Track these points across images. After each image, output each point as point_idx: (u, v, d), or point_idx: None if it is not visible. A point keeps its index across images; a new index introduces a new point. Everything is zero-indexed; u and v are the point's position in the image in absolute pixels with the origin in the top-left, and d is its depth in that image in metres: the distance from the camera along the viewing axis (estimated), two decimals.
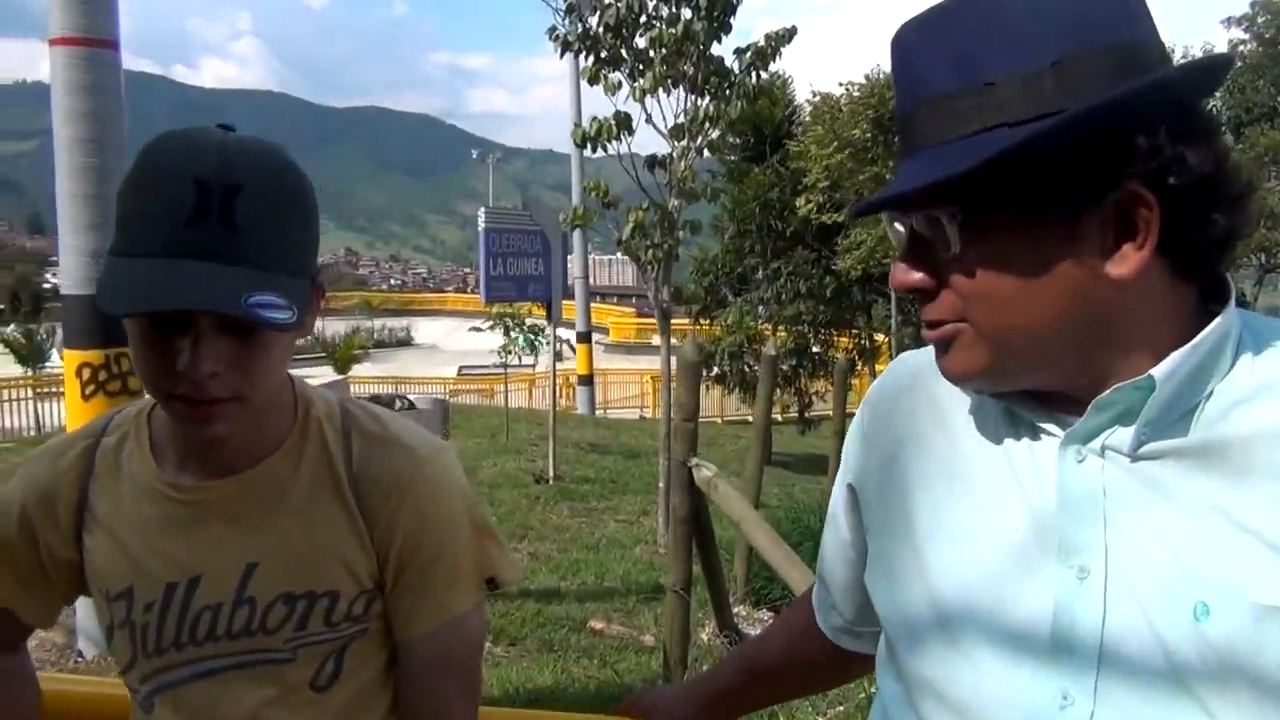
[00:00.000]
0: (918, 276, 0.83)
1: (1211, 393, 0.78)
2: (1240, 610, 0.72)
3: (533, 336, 12.09)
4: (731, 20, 6.98)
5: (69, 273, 4.29)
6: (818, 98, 16.51)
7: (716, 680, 1.36)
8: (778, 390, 14.83)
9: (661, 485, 6.75)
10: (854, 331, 17.56)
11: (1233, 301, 0.81)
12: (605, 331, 34.99)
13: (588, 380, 19.07)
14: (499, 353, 12.46)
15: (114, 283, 0.93)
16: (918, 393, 0.98)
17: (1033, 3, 0.76)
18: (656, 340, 8.04)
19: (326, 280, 1.18)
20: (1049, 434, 0.84)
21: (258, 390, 1.02)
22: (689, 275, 16.97)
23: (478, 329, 12.25)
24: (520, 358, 12.47)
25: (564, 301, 11.02)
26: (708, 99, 7.07)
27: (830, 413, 10.72)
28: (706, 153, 7.47)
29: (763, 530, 3.72)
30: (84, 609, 4.17)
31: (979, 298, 0.80)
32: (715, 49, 7.00)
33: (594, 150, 7.22)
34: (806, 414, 16.85)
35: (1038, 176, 0.75)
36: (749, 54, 7.14)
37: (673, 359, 6.18)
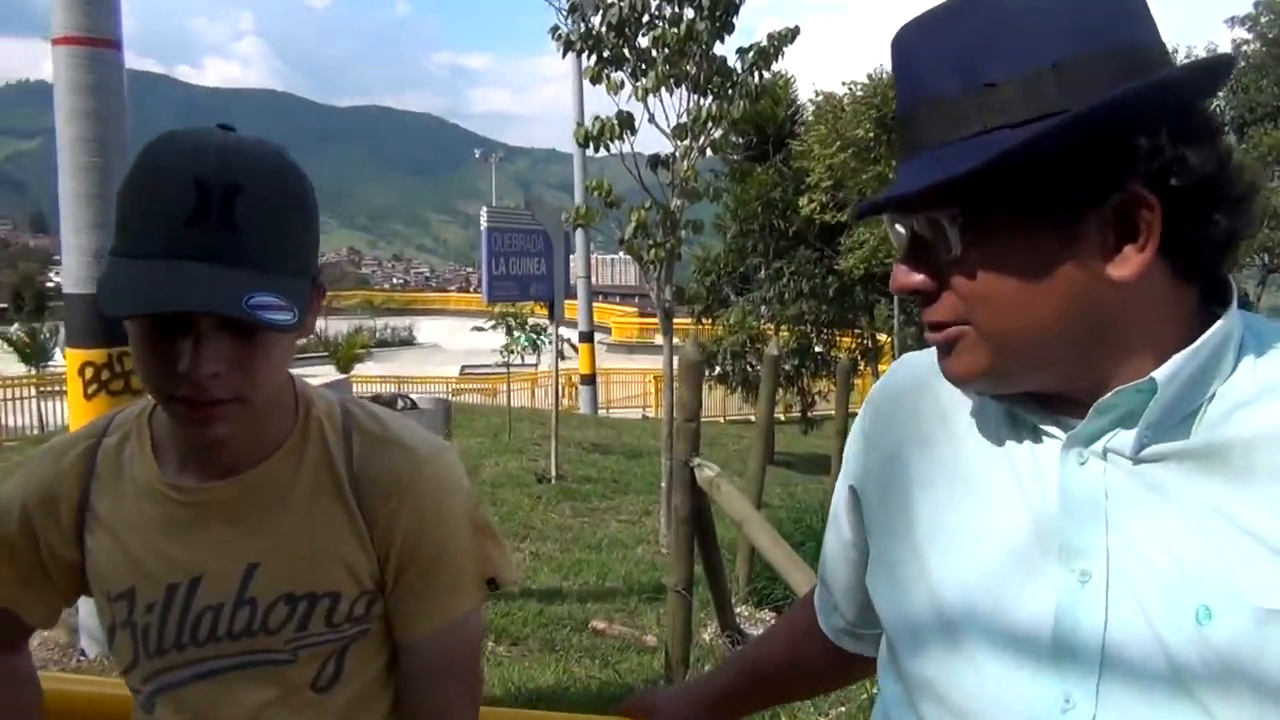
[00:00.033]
0: (918, 278, 0.83)
1: (1213, 395, 0.78)
2: (1243, 613, 0.72)
3: (535, 336, 12.10)
4: (734, 20, 6.99)
5: (71, 272, 4.30)
6: (821, 97, 16.51)
7: (718, 681, 1.35)
8: (780, 390, 14.84)
9: (664, 485, 6.76)
10: (857, 331, 17.55)
11: (1235, 303, 0.80)
12: (607, 331, 35.02)
13: (590, 380, 19.08)
14: (501, 352, 12.48)
15: (114, 284, 0.93)
16: (920, 394, 0.98)
17: (1034, 4, 0.76)
18: (659, 340, 8.04)
19: (328, 280, 1.18)
20: (1051, 436, 0.84)
21: (259, 391, 1.02)
22: (691, 275, 16.96)
23: (480, 329, 12.26)
24: (523, 357, 12.48)
25: (566, 301, 11.03)
26: (710, 98, 7.07)
27: (833, 412, 10.72)
28: (709, 152, 7.48)
29: (765, 531, 3.72)
30: (86, 608, 4.18)
31: (980, 300, 0.79)
32: (718, 48, 7.01)
33: (596, 150, 7.23)
34: (809, 414, 16.85)
35: (1039, 178, 0.75)
36: (752, 53, 7.15)
37: (675, 359, 6.17)
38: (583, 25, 7.11)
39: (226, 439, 1.03)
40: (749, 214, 16.43)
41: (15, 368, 19.82)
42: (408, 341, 45.94)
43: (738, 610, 5.36)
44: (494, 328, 12.45)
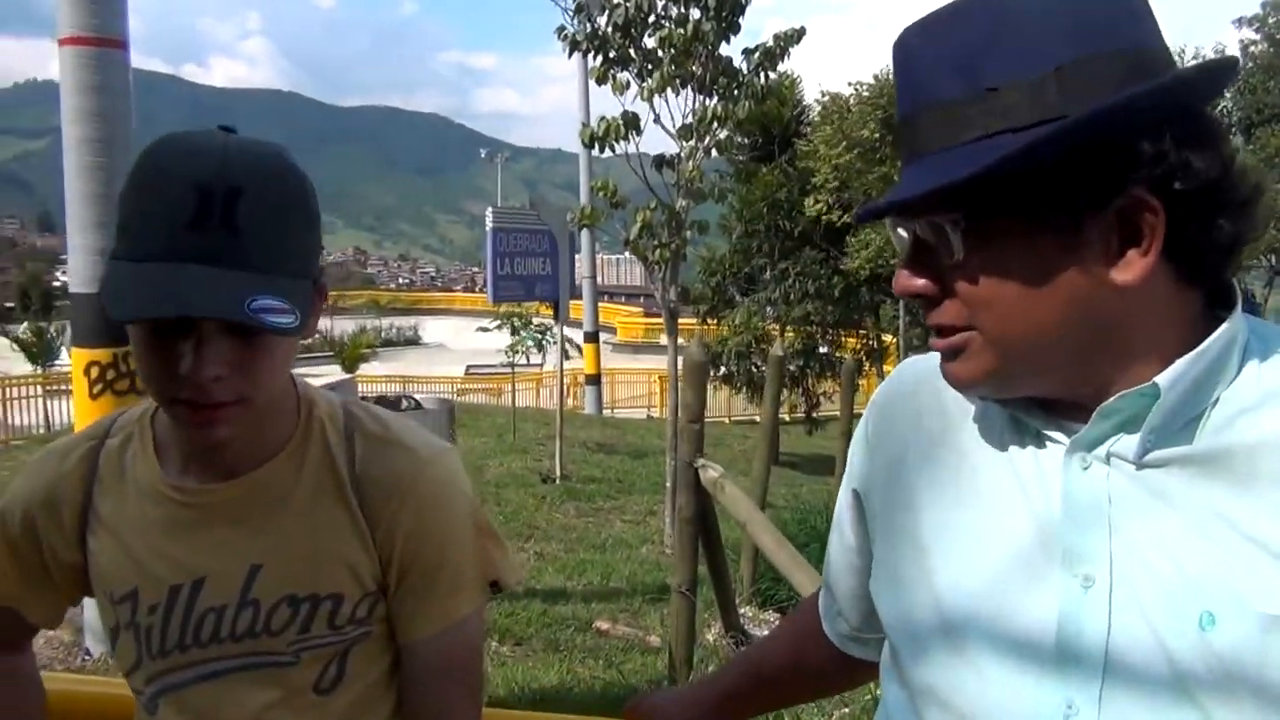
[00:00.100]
0: (921, 283, 0.83)
1: (1217, 400, 0.78)
2: (1246, 620, 0.72)
3: (539, 335, 12.10)
4: (740, 20, 6.98)
5: (77, 271, 4.31)
6: (826, 97, 16.51)
7: (722, 683, 1.35)
8: (785, 391, 14.82)
9: (668, 485, 6.76)
10: (862, 332, 17.53)
11: (1239, 308, 0.80)
12: (613, 331, 35.01)
13: (595, 380, 19.08)
14: (506, 352, 12.48)
15: (117, 287, 0.93)
16: (923, 398, 0.97)
17: (1036, 7, 0.75)
18: (664, 340, 8.04)
19: (334, 279, 1.18)
20: (1054, 441, 0.84)
21: (261, 393, 1.02)
22: (696, 275, 16.95)
23: (485, 329, 12.26)
24: (528, 357, 12.49)
25: (571, 301, 11.03)
26: (716, 99, 7.07)
27: (838, 413, 10.71)
28: (714, 153, 7.48)
29: (768, 532, 3.72)
30: (91, 607, 4.18)
31: (983, 304, 0.79)
32: (724, 49, 7.01)
33: (602, 150, 7.22)
34: (814, 414, 16.84)
35: (1041, 182, 0.74)
36: (758, 54, 7.14)
37: (680, 359, 6.17)
38: (589, 25, 7.12)
39: (228, 441, 1.03)
40: (754, 214, 16.41)
41: (22, 367, 19.88)
42: (413, 341, 46.01)
43: (741, 611, 5.36)
44: (499, 328, 12.45)
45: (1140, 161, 0.73)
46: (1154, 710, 0.75)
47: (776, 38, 7.23)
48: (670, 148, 7.19)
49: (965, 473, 0.90)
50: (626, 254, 7.91)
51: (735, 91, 7.05)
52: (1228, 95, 16.15)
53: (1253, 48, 17.62)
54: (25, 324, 26.58)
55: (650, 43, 6.97)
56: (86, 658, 4.47)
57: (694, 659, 4.43)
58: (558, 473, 9.36)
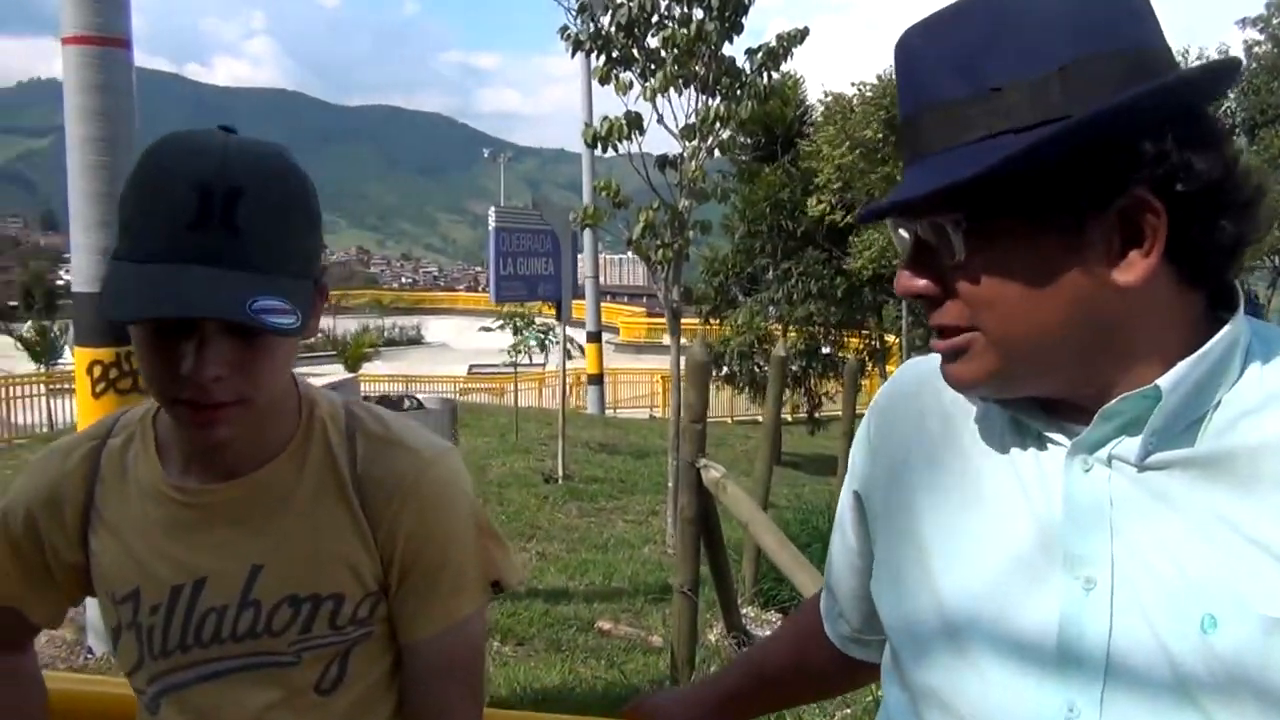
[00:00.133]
0: (923, 283, 0.82)
1: (1219, 402, 0.77)
2: (1248, 623, 0.72)
3: (542, 335, 12.10)
4: (743, 20, 6.98)
5: (80, 270, 4.32)
6: (829, 97, 16.48)
7: (723, 683, 1.35)
8: (787, 391, 14.81)
9: (670, 485, 6.75)
10: (865, 332, 17.51)
11: (1241, 309, 0.79)
12: (615, 331, 35.01)
13: (598, 380, 19.08)
14: (509, 352, 12.48)
15: (118, 288, 0.93)
16: (924, 400, 0.97)
17: (1038, 7, 0.75)
18: (667, 340, 8.04)
19: (336, 279, 1.18)
20: (1055, 443, 0.83)
21: (262, 393, 1.02)
22: (699, 275, 16.94)
23: (487, 329, 12.26)
24: (530, 357, 12.49)
25: (574, 301, 11.03)
26: (719, 99, 7.07)
27: (840, 413, 10.70)
28: (717, 153, 7.47)
29: (771, 532, 3.72)
30: (93, 606, 4.19)
31: (984, 305, 0.79)
32: (727, 49, 7.01)
33: (605, 150, 7.23)
34: (816, 415, 16.83)
35: (1043, 183, 0.74)
36: (760, 54, 7.14)
37: (682, 359, 6.17)
38: (592, 25, 7.11)
39: (229, 441, 1.03)
40: (757, 214, 16.41)
41: (25, 365, 19.90)
42: (416, 341, 45.98)
43: (743, 611, 5.36)
44: (501, 328, 12.46)
45: (1142, 162, 0.73)
46: (1155, 712, 0.75)
47: (779, 38, 7.23)
48: (673, 148, 7.20)
49: (967, 475, 0.90)
50: (629, 254, 7.92)
51: (738, 91, 7.05)
52: (1231, 96, 16.13)
53: (1256, 48, 17.60)
54: (29, 323, 26.62)
55: (653, 42, 6.98)
56: (89, 657, 4.48)
57: (696, 659, 4.44)
58: (560, 473, 9.36)
